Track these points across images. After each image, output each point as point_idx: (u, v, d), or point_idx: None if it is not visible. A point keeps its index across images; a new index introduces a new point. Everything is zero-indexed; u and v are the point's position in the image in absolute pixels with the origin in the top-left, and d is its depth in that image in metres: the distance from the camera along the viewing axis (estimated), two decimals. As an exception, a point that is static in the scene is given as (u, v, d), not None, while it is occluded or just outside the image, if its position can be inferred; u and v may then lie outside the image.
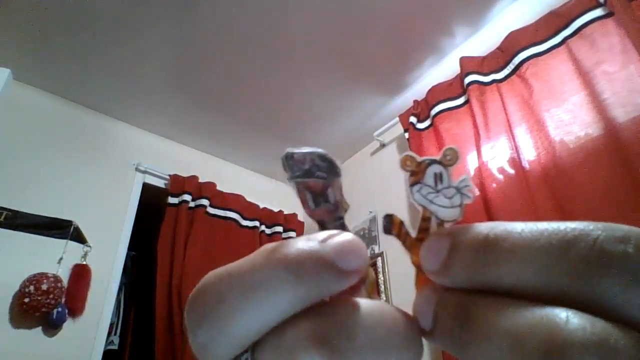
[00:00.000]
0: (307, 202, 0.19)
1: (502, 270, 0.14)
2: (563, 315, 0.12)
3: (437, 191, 0.18)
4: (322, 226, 0.19)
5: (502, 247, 0.14)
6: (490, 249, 0.14)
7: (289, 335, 0.15)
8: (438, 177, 0.18)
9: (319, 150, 0.18)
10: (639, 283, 0.12)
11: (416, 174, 0.18)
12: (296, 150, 0.18)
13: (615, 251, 0.12)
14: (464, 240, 0.15)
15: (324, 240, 0.16)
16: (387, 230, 0.19)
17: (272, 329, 0.15)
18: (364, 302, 0.16)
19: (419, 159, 0.18)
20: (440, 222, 0.18)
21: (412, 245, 0.18)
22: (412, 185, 0.18)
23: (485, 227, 0.15)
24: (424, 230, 0.18)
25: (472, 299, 0.14)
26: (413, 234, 0.18)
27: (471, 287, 0.14)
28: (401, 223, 0.19)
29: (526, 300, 0.13)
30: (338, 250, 0.16)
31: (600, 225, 0.13)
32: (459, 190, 0.18)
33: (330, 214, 0.19)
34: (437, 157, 0.18)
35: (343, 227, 0.19)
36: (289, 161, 0.18)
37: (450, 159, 0.18)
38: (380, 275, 2.04)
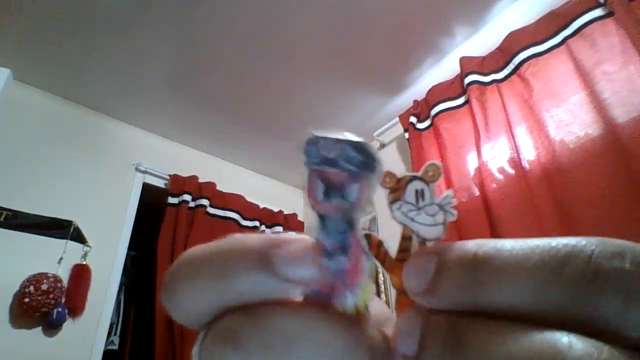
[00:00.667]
0: (315, 192, 0.16)
1: (494, 291, 0.13)
2: (565, 340, 0.11)
3: (419, 208, 0.17)
4: (322, 221, 0.16)
5: (492, 266, 0.13)
6: (480, 268, 0.13)
7: (215, 325, 0.15)
8: (419, 194, 0.17)
9: (355, 138, 0.16)
10: (638, 301, 0.11)
11: (396, 190, 0.17)
12: (324, 135, 0.16)
13: (612, 267, 0.12)
14: (451, 259, 0.14)
15: (276, 244, 0.15)
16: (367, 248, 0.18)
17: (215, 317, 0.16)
18: (305, 311, 0.15)
19: (399, 175, 0.17)
20: (422, 241, 0.17)
21: (392, 266, 0.17)
22: (391, 202, 0.17)
23: (473, 245, 0.14)
24: (404, 250, 0.17)
25: (463, 322, 0.13)
26: (393, 254, 0.18)
27: (461, 309, 0.14)
28: (380, 243, 0.18)
29: (521, 322, 0.12)
30: (283, 257, 0.15)
31: (593, 240, 0.12)
32: (441, 207, 0.17)
33: (339, 212, 0.16)
34: (418, 174, 0.17)
35: (349, 230, 0.16)
36: (312, 146, 0.16)
37: (433, 175, 0.17)
38: (380, 275, 2.04)
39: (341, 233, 0.16)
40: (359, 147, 0.16)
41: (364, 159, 0.16)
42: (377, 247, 0.18)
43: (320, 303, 0.16)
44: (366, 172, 0.16)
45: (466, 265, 0.14)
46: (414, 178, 0.17)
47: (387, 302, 1.96)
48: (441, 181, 0.17)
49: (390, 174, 0.17)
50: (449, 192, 0.17)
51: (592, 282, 0.12)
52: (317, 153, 0.16)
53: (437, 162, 0.17)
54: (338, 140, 0.16)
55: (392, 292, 1.78)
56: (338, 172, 0.16)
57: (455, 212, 0.17)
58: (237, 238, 0.16)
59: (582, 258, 0.12)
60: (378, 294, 2.01)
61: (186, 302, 0.16)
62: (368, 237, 0.18)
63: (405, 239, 0.17)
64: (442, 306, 0.14)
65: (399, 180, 0.17)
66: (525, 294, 0.12)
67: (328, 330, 0.15)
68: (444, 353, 0.13)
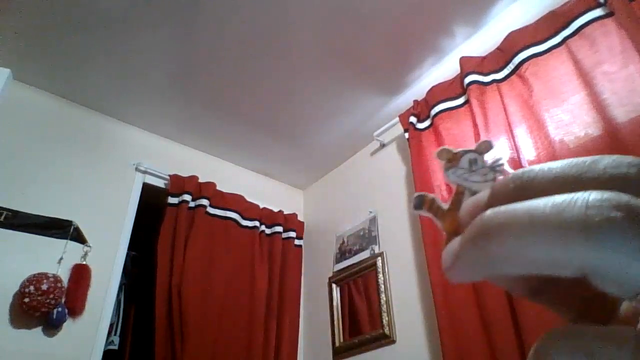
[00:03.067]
0: (463, 199, 0.20)
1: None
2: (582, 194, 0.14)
3: (472, 171, 0.20)
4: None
5: (534, 185, 0.16)
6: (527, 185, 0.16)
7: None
8: (472, 162, 0.21)
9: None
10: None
11: (451, 161, 0.21)
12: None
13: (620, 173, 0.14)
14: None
15: None
16: (419, 206, 0.21)
17: None
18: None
19: (455, 150, 0.21)
20: (474, 194, 0.20)
21: (443, 214, 0.20)
22: (447, 170, 0.21)
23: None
24: (455, 202, 0.20)
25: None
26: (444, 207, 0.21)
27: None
28: (433, 200, 0.21)
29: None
30: None
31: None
32: (492, 168, 0.20)
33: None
34: (472, 148, 0.21)
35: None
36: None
37: (485, 148, 0.21)
38: (380, 275, 2.04)
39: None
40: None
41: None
42: (430, 203, 0.21)
43: None
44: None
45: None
46: (468, 151, 0.21)
47: (387, 302, 1.96)
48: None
49: (446, 150, 0.21)
50: (501, 156, 0.20)
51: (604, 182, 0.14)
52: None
53: (490, 139, 0.21)
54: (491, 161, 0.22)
55: (392, 292, 1.77)
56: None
57: (503, 171, 0.20)
58: None
59: (597, 168, 0.15)
60: (378, 293, 2.01)
61: None
62: (422, 195, 0.21)
63: (458, 193, 0.20)
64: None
65: (454, 153, 0.21)
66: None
67: None
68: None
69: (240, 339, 2.09)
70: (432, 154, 1.87)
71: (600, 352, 0.14)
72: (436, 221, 0.21)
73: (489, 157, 0.21)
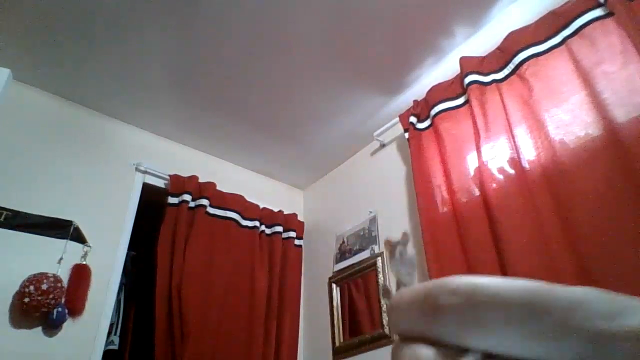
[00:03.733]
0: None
1: (397, 321, 0.19)
2: (416, 348, 0.16)
3: (402, 263, 0.25)
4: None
5: (396, 305, 0.19)
6: (393, 307, 0.19)
7: None
8: (402, 252, 0.26)
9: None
10: (462, 324, 0.16)
11: (391, 252, 0.26)
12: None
13: (447, 303, 0.17)
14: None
15: None
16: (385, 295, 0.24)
17: None
18: None
19: (393, 241, 0.26)
20: (403, 284, 0.24)
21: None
22: (390, 262, 0.25)
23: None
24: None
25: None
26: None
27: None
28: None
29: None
30: None
31: (439, 282, 0.17)
32: (411, 261, 0.25)
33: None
34: (399, 239, 0.25)
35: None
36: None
37: (406, 239, 0.26)
38: (380, 275, 2.04)
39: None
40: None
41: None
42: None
43: None
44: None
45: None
46: (397, 243, 0.26)
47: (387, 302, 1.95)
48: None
49: (388, 242, 0.28)
50: (413, 251, 0.26)
51: (436, 313, 0.17)
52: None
53: (406, 231, 0.27)
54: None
55: (392, 292, 1.79)
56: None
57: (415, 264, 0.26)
58: None
59: (431, 298, 0.18)
60: (378, 293, 2.01)
61: None
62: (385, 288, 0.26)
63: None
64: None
65: (392, 245, 0.27)
66: (406, 323, 0.18)
67: None
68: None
69: (240, 339, 2.09)
70: (432, 155, 1.87)
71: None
72: None
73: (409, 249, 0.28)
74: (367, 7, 1.76)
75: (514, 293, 0.18)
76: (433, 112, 1.92)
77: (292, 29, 1.85)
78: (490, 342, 0.17)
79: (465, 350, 0.17)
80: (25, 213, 1.79)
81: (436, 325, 0.17)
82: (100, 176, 2.08)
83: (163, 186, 2.28)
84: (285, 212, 2.62)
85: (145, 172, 2.24)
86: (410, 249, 0.26)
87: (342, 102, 2.24)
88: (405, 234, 0.27)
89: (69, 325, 1.72)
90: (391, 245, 0.27)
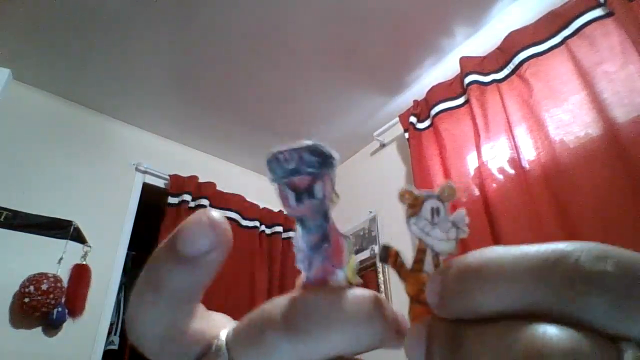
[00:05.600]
0: (288, 201, 0.18)
1: (488, 295, 0.14)
2: (541, 330, 0.13)
3: (434, 224, 0.18)
4: (302, 223, 0.18)
5: (486, 272, 0.14)
6: (475, 276, 0.15)
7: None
8: (435, 211, 0.18)
9: (308, 142, 0.18)
10: (619, 302, 0.12)
11: (413, 206, 0.18)
12: (281, 149, 0.18)
13: (596, 270, 0.13)
14: (450, 275, 0.15)
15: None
16: (383, 259, 0.19)
17: None
18: (328, 289, 0.18)
19: (417, 192, 0.18)
20: (436, 255, 0.18)
21: (407, 275, 0.19)
22: (409, 217, 0.19)
23: (470, 256, 0.15)
24: (419, 261, 0.18)
25: (461, 328, 0.15)
26: (409, 264, 0.19)
27: (465, 317, 0.15)
28: (397, 254, 0.19)
29: (514, 320, 0.13)
30: (177, 234, 0.18)
31: (578, 244, 0.13)
32: (455, 224, 0.18)
33: (313, 210, 0.18)
34: (435, 192, 0.18)
35: (325, 222, 0.18)
36: (273, 163, 0.18)
37: (448, 195, 0.18)
38: (380, 275, 2.04)
39: (320, 226, 0.18)
40: (313, 149, 0.18)
41: (320, 159, 0.18)
42: (394, 258, 0.19)
43: (320, 284, 0.18)
44: (325, 170, 0.18)
45: (462, 275, 0.15)
46: (430, 196, 0.18)
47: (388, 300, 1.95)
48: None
49: (409, 192, 0.18)
50: (462, 210, 0.18)
51: (578, 283, 0.13)
52: (279, 167, 0.18)
53: (453, 183, 0.18)
54: (294, 150, 0.17)
55: (392, 291, 1.77)
56: (302, 177, 0.18)
57: (467, 229, 0.18)
58: None
59: (569, 262, 0.13)
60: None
61: None
62: (386, 248, 0.19)
63: (420, 251, 0.18)
64: (450, 316, 0.15)
65: (416, 197, 0.18)
66: (517, 296, 0.14)
67: (355, 302, 0.17)
68: (446, 357, 0.15)
69: (240, 339, 2.09)
70: (432, 155, 1.87)
71: None
72: (400, 279, 0.19)
73: (451, 208, 0.19)
74: (367, 7, 1.76)
75: None
76: (433, 112, 1.92)
77: (292, 29, 1.85)
78: None
79: (621, 339, 0.13)
80: (25, 213, 1.79)
81: (581, 300, 0.13)
82: (100, 176, 2.08)
83: (163, 186, 2.28)
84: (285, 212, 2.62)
85: (145, 172, 2.24)
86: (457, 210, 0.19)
87: (342, 102, 2.24)
88: (449, 186, 0.18)
89: (69, 325, 1.72)
90: (415, 199, 0.18)
